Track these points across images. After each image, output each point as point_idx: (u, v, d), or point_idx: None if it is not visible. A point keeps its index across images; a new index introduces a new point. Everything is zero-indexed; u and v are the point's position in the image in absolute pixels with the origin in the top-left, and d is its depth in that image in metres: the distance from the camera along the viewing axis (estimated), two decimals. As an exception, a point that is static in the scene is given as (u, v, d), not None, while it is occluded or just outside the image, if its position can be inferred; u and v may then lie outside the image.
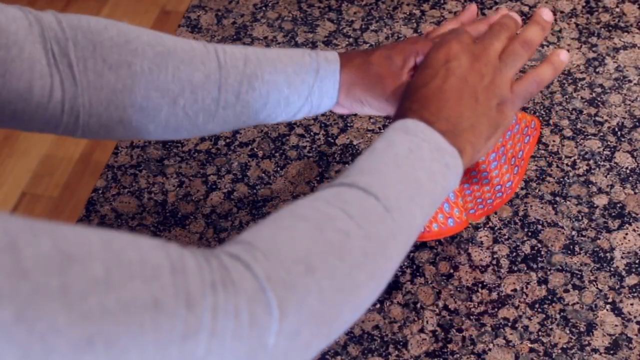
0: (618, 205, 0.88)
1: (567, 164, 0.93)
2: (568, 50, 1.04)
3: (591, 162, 0.93)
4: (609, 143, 0.94)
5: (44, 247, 0.41)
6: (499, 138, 0.67)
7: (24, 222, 0.42)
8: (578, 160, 0.93)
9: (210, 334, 0.46)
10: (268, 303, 0.48)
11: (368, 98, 0.73)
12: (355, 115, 0.99)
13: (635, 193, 0.89)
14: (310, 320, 0.50)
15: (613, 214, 0.88)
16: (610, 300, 0.81)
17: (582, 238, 0.86)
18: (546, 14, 0.70)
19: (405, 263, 0.84)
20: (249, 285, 0.48)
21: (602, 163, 0.92)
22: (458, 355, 0.77)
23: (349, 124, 0.98)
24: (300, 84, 0.73)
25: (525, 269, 0.83)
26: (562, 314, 0.80)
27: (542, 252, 0.85)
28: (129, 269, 0.44)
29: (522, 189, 0.90)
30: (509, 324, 0.79)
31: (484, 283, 0.83)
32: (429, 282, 0.83)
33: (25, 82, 0.64)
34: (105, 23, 0.69)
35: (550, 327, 0.79)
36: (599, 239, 0.86)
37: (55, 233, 0.43)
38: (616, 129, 0.96)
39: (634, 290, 0.81)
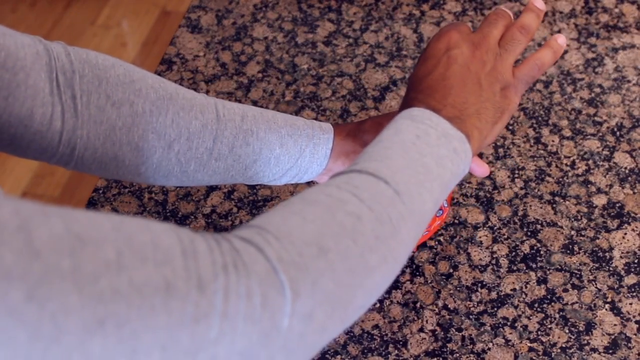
0: (617, 205, 0.89)
1: (566, 164, 0.93)
2: (567, 51, 1.05)
3: (590, 162, 0.93)
4: (608, 143, 0.95)
5: (55, 229, 0.41)
6: (506, 123, 0.68)
7: (36, 205, 0.43)
8: (577, 160, 0.93)
9: (222, 317, 0.46)
10: (280, 284, 0.48)
11: None
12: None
13: (634, 193, 0.90)
14: (324, 302, 0.50)
15: (612, 213, 0.88)
16: (609, 299, 0.81)
17: (581, 238, 0.86)
18: (539, 2, 0.71)
19: (405, 262, 0.85)
20: (261, 267, 0.48)
21: (601, 163, 0.93)
22: (457, 355, 0.78)
23: (348, 124, 0.98)
24: (293, 146, 0.74)
25: (525, 268, 0.84)
26: (561, 313, 0.80)
27: (542, 252, 0.85)
28: (141, 252, 0.44)
29: (521, 188, 0.91)
30: (508, 323, 0.80)
31: (484, 282, 0.83)
32: (429, 281, 0.83)
33: (27, 108, 0.65)
34: (113, 61, 0.70)
35: (549, 326, 0.79)
36: (598, 238, 0.86)
37: (67, 216, 0.43)
38: (615, 129, 0.96)
39: (632, 289, 0.82)
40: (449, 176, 0.60)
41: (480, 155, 0.94)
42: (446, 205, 0.81)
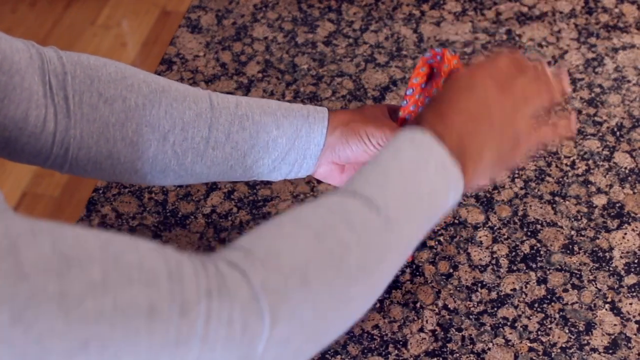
0: (617, 205, 0.89)
1: (566, 164, 0.93)
2: (567, 52, 1.05)
3: (590, 162, 0.93)
4: (608, 143, 0.95)
5: (44, 250, 0.42)
6: (499, 174, 0.66)
7: (26, 223, 0.43)
8: (577, 160, 0.93)
9: (202, 341, 0.46)
10: (261, 311, 0.49)
11: (369, 128, 0.73)
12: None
13: (634, 193, 0.90)
14: (301, 330, 0.51)
15: (612, 213, 0.88)
16: (609, 299, 0.81)
17: (581, 238, 0.86)
18: (565, 83, 0.69)
19: (405, 262, 0.85)
20: (244, 293, 0.49)
21: (601, 163, 0.93)
22: (457, 355, 0.78)
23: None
24: (289, 127, 0.74)
25: (525, 268, 0.84)
26: (561, 313, 0.80)
27: (542, 252, 0.85)
28: (127, 273, 0.45)
29: (521, 188, 0.91)
30: (508, 323, 0.80)
31: (484, 282, 0.83)
32: (429, 281, 0.83)
33: (22, 111, 0.66)
34: (105, 61, 0.71)
35: (549, 326, 0.79)
36: (598, 238, 0.86)
37: (56, 234, 0.44)
38: (615, 129, 0.96)
39: (632, 289, 0.82)
40: (437, 209, 0.61)
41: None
42: None
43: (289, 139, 0.74)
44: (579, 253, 0.85)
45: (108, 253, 0.45)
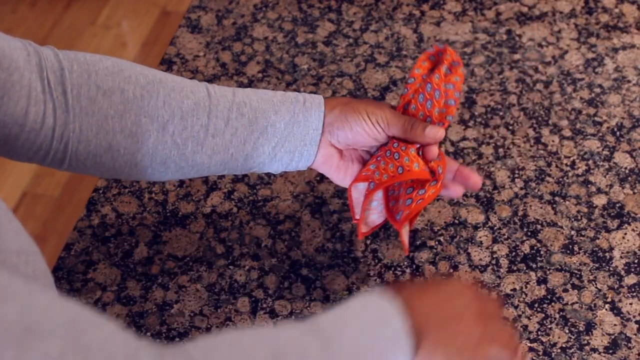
0: (617, 205, 0.89)
1: (566, 164, 0.93)
2: (567, 52, 1.05)
3: (590, 162, 0.93)
4: (608, 143, 0.95)
5: (8, 317, 0.43)
6: None
7: None
8: (577, 160, 0.93)
9: None
10: None
11: (369, 107, 0.74)
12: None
13: (634, 193, 0.90)
14: None
15: (612, 213, 0.88)
16: (609, 299, 0.81)
17: (582, 238, 0.86)
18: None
19: (405, 262, 0.85)
20: None
21: (601, 163, 0.93)
22: (457, 355, 0.78)
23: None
24: (286, 112, 0.75)
25: (525, 268, 0.84)
26: (561, 313, 0.80)
27: (542, 252, 0.85)
28: (84, 352, 0.45)
29: (521, 188, 0.91)
30: (509, 323, 0.80)
31: (484, 283, 0.83)
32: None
33: (22, 107, 0.66)
34: (101, 56, 0.72)
35: (549, 326, 0.79)
36: (598, 238, 0.86)
37: (25, 302, 0.44)
38: (615, 129, 0.96)
39: (632, 289, 0.82)
40: None
41: (480, 156, 0.94)
42: (440, 172, 0.77)
43: (287, 124, 0.74)
44: (579, 253, 0.85)
45: (71, 330, 0.46)
